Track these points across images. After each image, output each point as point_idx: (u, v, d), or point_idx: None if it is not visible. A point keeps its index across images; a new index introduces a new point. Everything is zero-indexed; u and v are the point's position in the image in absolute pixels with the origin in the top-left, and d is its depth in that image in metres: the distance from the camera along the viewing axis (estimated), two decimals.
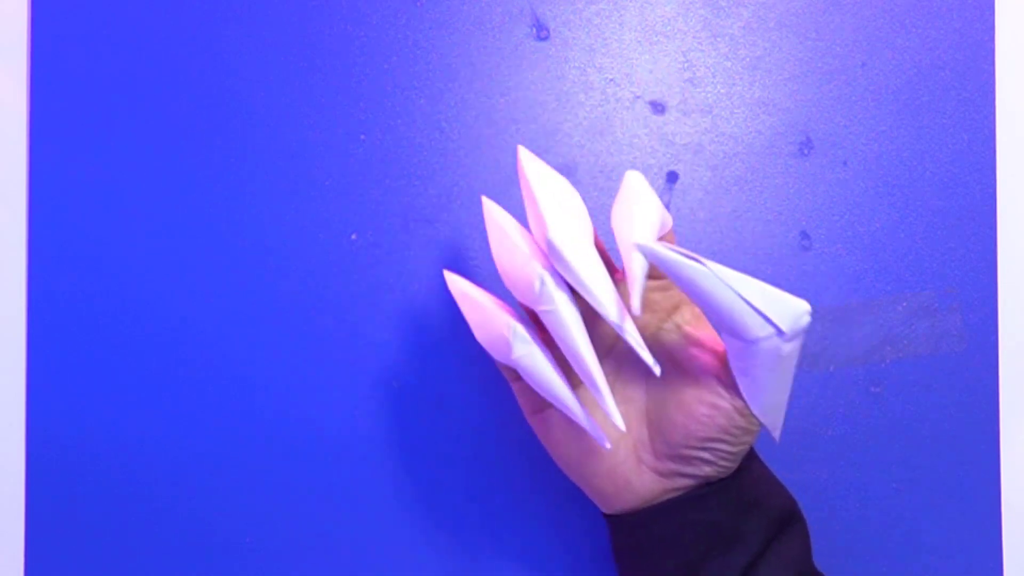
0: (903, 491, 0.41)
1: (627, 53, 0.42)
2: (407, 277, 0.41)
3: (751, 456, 0.35)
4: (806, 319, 0.30)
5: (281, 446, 0.41)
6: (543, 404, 0.36)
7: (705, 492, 0.34)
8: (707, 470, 0.33)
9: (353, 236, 0.41)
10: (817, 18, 0.42)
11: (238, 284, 0.41)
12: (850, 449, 0.41)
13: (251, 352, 0.41)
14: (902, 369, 0.42)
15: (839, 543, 0.41)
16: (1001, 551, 0.41)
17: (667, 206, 0.42)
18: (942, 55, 0.42)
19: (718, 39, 0.42)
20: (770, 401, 0.32)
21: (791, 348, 0.30)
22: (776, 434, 0.34)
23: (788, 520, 0.35)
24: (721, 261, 0.42)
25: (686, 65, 0.42)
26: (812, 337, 0.42)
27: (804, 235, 0.42)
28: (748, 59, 0.42)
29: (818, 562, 0.41)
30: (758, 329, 0.30)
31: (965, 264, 0.42)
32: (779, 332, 0.30)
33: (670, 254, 0.30)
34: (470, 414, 0.41)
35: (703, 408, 0.33)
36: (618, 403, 0.35)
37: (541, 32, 0.42)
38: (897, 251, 0.42)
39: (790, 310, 0.30)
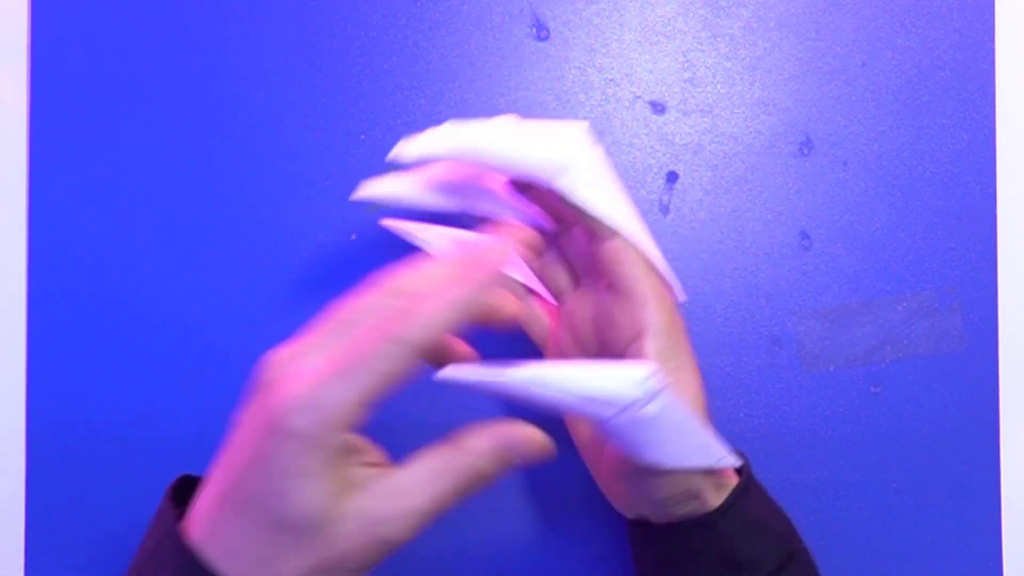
0: (903, 491, 0.41)
1: (627, 53, 0.42)
2: None
3: (748, 477, 0.35)
4: (651, 381, 0.29)
5: None
6: None
7: (709, 519, 0.33)
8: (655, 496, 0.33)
9: (353, 236, 0.41)
10: (817, 18, 0.42)
11: (238, 284, 0.41)
12: (850, 449, 0.41)
13: (251, 352, 0.41)
14: (902, 369, 0.42)
15: (839, 543, 0.41)
16: (1001, 551, 0.41)
17: (667, 206, 0.42)
18: (942, 55, 0.42)
19: (718, 39, 0.42)
20: (670, 451, 0.31)
21: (656, 408, 0.29)
22: (718, 463, 0.33)
23: (795, 547, 0.35)
24: (721, 261, 0.42)
25: (686, 65, 0.42)
26: (812, 337, 0.42)
27: (804, 235, 0.42)
28: (748, 59, 0.42)
29: (818, 562, 0.41)
30: (604, 409, 0.29)
31: (965, 264, 0.42)
32: (623, 407, 0.29)
33: (472, 377, 0.29)
34: (470, 414, 0.41)
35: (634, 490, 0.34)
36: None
37: (541, 32, 0.42)
38: (897, 251, 0.42)
39: (627, 380, 0.29)
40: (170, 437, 0.41)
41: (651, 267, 0.34)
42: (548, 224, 0.36)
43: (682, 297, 0.35)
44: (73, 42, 0.41)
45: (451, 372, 0.29)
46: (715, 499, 0.33)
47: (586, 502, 0.41)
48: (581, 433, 0.37)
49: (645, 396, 0.29)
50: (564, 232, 0.36)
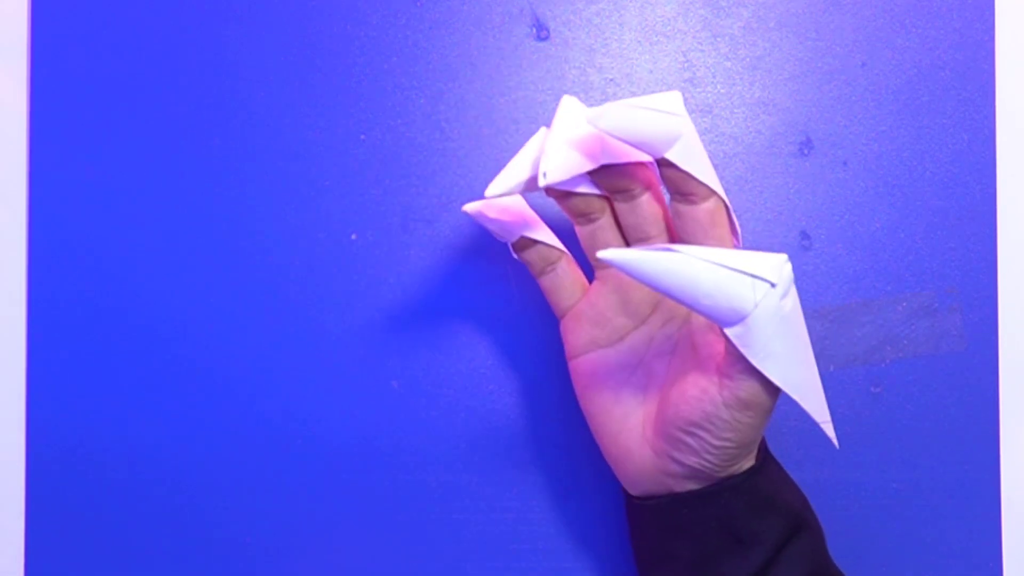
0: (903, 491, 0.41)
1: (627, 53, 0.42)
2: (407, 277, 0.41)
3: (765, 457, 0.35)
4: (787, 266, 0.30)
5: (281, 446, 0.41)
6: (588, 344, 0.36)
7: (716, 489, 0.34)
8: (692, 460, 0.33)
9: (353, 236, 0.41)
10: (817, 18, 0.42)
11: (238, 284, 0.41)
12: (850, 449, 0.41)
13: (251, 352, 0.41)
14: (902, 369, 0.42)
15: (839, 543, 0.41)
16: (1001, 551, 0.41)
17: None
18: (942, 55, 0.42)
19: (718, 39, 0.42)
20: (795, 375, 0.31)
21: (790, 304, 0.30)
22: (820, 418, 0.32)
23: (801, 522, 0.35)
24: None
25: (686, 65, 0.42)
26: (812, 337, 0.42)
27: (804, 235, 0.42)
28: (748, 59, 0.42)
29: None
30: (748, 292, 0.29)
31: (965, 264, 0.42)
32: (771, 284, 0.29)
33: (637, 255, 0.30)
34: (470, 414, 0.41)
35: (694, 390, 0.33)
36: (643, 375, 0.36)
37: (541, 32, 0.42)
38: (897, 251, 0.42)
39: (769, 262, 0.30)
40: (170, 437, 0.41)
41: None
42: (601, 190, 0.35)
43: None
44: (73, 42, 0.41)
45: (610, 254, 0.30)
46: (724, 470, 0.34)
47: (570, 500, 0.41)
48: (599, 403, 0.36)
49: (780, 282, 0.30)
50: (627, 199, 0.35)
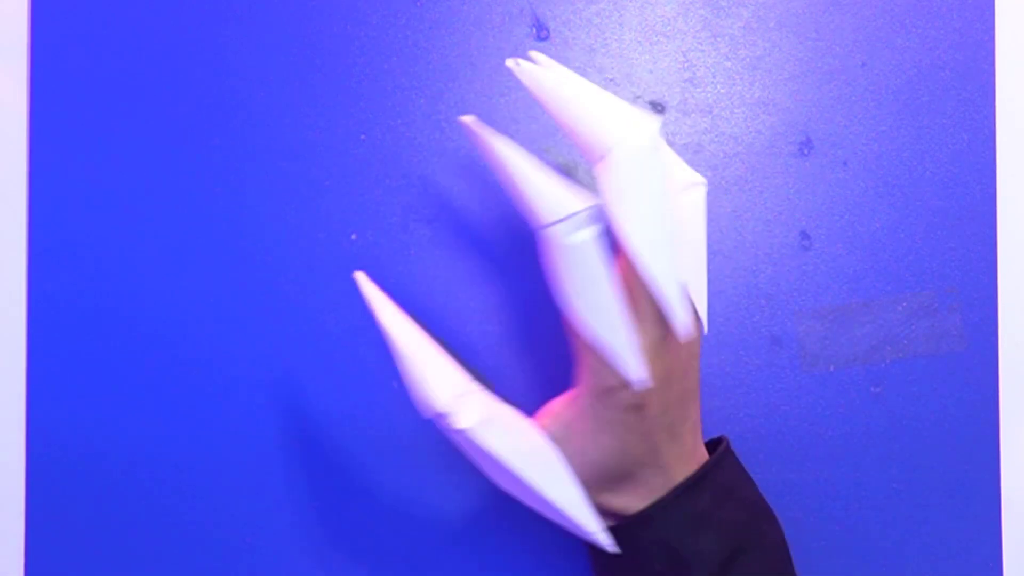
0: (903, 491, 0.41)
1: (627, 53, 0.42)
2: (407, 277, 0.41)
3: (703, 476, 0.34)
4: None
5: (280, 446, 0.41)
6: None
7: (649, 510, 0.34)
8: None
9: (353, 236, 0.41)
10: (817, 18, 0.42)
11: (238, 284, 0.41)
12: (850, 449, 0.41)
13: (251, 352, 0.41)
14: (902, 369, 0.42)
15: (839, 543, 0.41)
16: (1001, 551, 0.41)
17: None
18: (942, 55, 0.42)
19: (718, 39, 0.42)
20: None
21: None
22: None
23: (748, 539, 0.34)
24: (721, 261, 0.42)
25: (686, 65, 0.42)
26: (812, 337, 0.42)
27: (804, 235, 0.42)
28: (748, 59, 0.42)
29: (817, 562, 0.41)
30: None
31: (965, 264, 0.42)
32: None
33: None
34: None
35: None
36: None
37: (541, 32, 0.42)
38: (897, 251, 0.42)
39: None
40: (170, 437, 0.41)
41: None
42: None
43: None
44: (73, 42, 0.41)
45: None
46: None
47: None
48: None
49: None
50: None
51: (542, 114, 0.42)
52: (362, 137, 0.42)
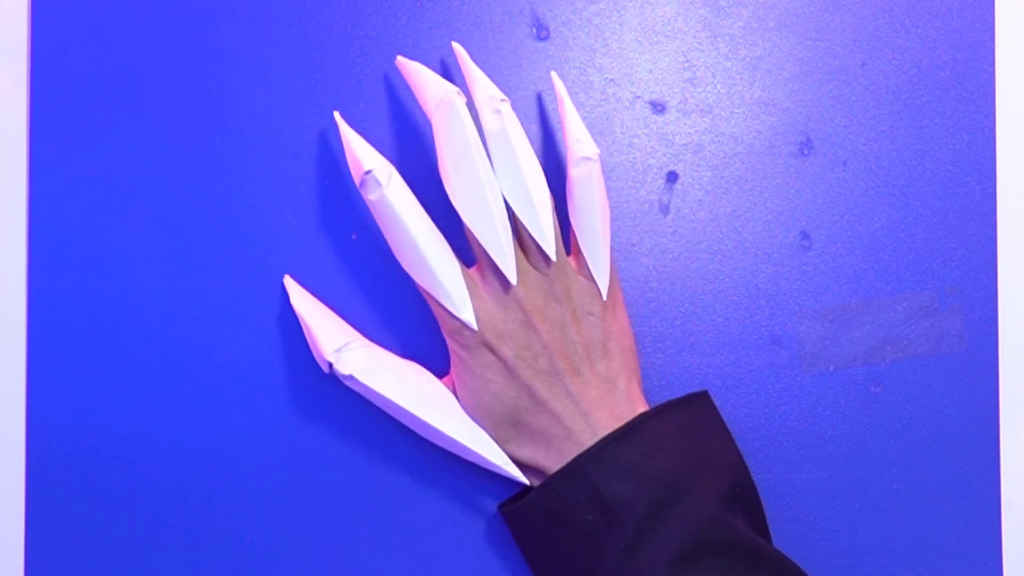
0: (903, 491, 0.41)
1: (627, 53, 0.42)
2: (407, 277, 0.41)
3: (632, 428, 0.35)
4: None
5: (280, 446, 0.41)
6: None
7: (575, 462, 0.35)
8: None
9: (353, 236, 0.41)
10: (817, 18, 0.42)
11: (238, 284, 0.41)
12: (850, 449, 0.41)
13: (251, 352, 0.41)
14: (902, 369, 0.42)
15: (839, 543, 0.41)
16: (1001, 551, 0.41)
17: (667, 206, 0.42)
18: (942, 55, 0.42)
19: (718, 39, 0.42)
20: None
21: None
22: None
23: (680, 488, 0.34)
24: (721, 261, 0.42)
25: (686, 65, 0.42)
26: (812, 337, 0.42)
27: (804, 235, 0.42)
28: (748, 59, 0.42)
29: (817, 562, 0.41)
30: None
31: (965, 264, 0.42)
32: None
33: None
34: None
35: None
36: None
37: (541, 32, 0.42)
38: (897, 251, 0.42)
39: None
40: (170, 437, 0.41)
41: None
42: None
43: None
44: (73, 42, 0.41)
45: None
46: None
47: None
48: None
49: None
50: None
51: (542, 114, 0.42)
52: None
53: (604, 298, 0.37)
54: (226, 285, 0.41)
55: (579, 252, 0.38)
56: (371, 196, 0.36)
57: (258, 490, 0.41)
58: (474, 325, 0.36)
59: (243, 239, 0.41)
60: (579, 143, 0.37)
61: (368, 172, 0.35)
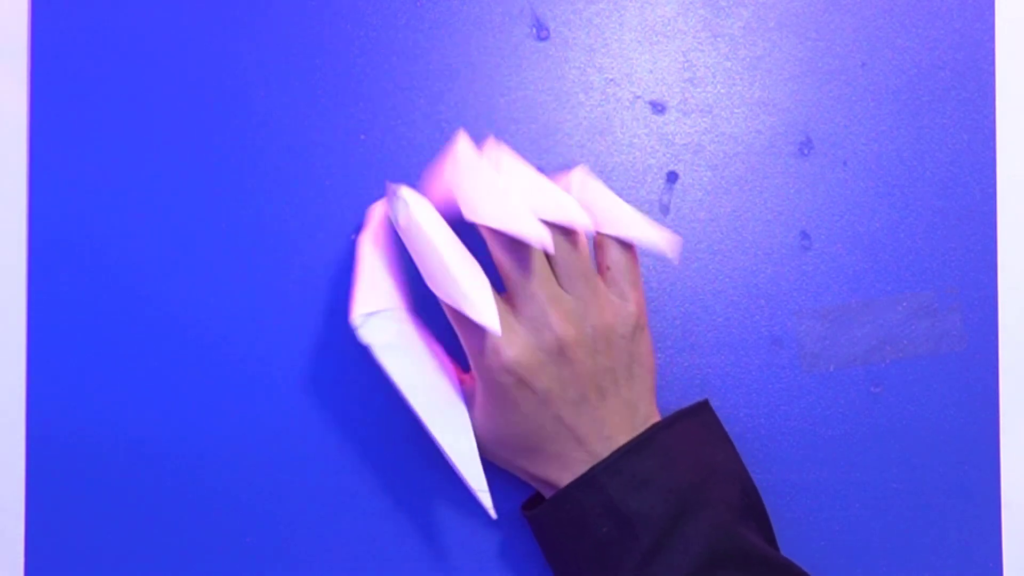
0: (903, 491, 0.41)
1: (627, 53, 0.42)
2: (407, 276, 0.41)
3: (647, 440, 0.35)
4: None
5: (281, 445, 0.41)
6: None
7: (590, 473, 0.34)
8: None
9: (353, 236, 0.41)
10: (817, 18, 0.42)
11: (238, 284, 0.41)
12: (850, 449, 0.41)
13: (251, 352, 0.41)
14: (902, 369, 0.42)
15: (839, 543, 0.41)
16: (1001, 551, 0.41)
17: (667, 206, 0.42)
18: (942, 55, 0.42)
19: (718, 39, 0.42)
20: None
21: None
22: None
23: (696, 499, 0.34)
24: (721, 261, 0.42)
25: (686, 65, 0.42)
26: (812, 337, 0.42)
27: (804, 235, 0.42)
28: (748, 59, 0.42)
29: (817, 562, 0.41)
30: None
31: (965, 264, 0.42)
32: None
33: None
34: None
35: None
36: None
37: (541, 32, 0.42)
38: (897, 251, 0.42)
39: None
40: (170, 437, 0.41)
41: None
42: None
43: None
44: (73, 42, 0.41)
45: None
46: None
47: None
48: None
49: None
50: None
51: (542, 114, 0.42)
52: (362, 137, 0.42)
53: (636, 312, 0.36)
54: (225, 285, 0.41)
55: (608, 269, 0.37)
56: (400, 221, 0.35)
57: (258, 490, 0.41)
58: (499, 331, 0.34)
59: (243, 239, 0.41)
60: (568, 179, 0.37)
61: (397, 196, 0.34)
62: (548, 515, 0.36)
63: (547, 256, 0.35)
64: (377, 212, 0.38)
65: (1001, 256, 0.42)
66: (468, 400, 0.37)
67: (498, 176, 0.35)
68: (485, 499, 0.36)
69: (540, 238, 0.33)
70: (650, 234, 0.36)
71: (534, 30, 0.42)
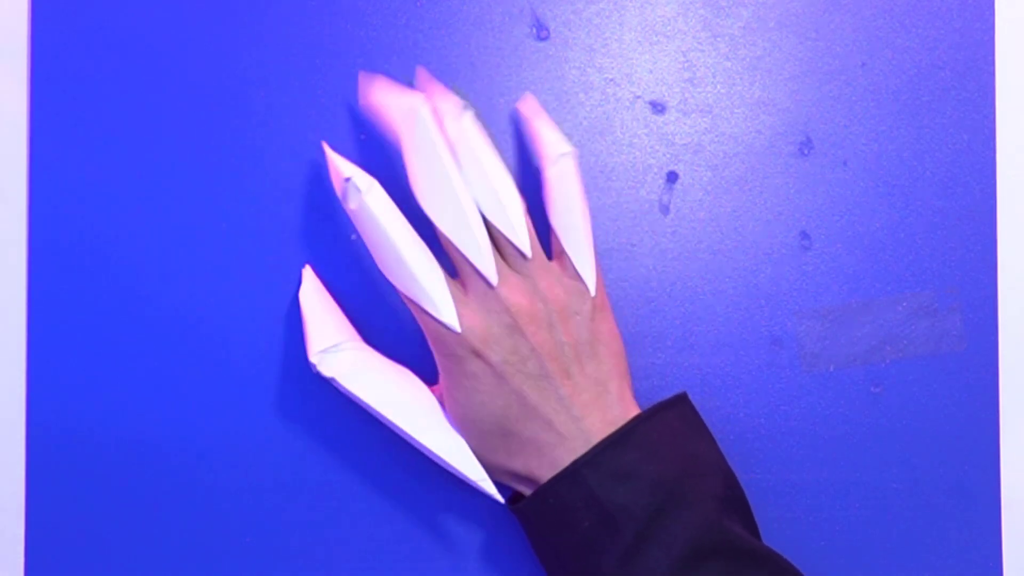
0: (903, 491, 0.41)
1: (627, 53, 0.42)
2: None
3: (629, 433, 0.35)
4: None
5: (282, 445, 0.41)
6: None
7: (571, 468, 0.34)
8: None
9: (353, 236, 0.41)
10: (817, 18, 0.42)
11: (238, 284, 0.41)
12: (850, 449, 0.41)
13: (251, 352, 0.41)
14: (902, 369, 0.42)
15: (839, 543, 0.41)
16: (1001, 551, 0.41)
17: (667, 206, 0.42)
18: (942, 55, 0.42)
19: (718, 39, 0.42)
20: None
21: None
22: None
23: (680, 493, 0.34)
24: (721, 261, 0.42)
25: (686, 65, 0.42)
26: (812, 337, 0.42)
27: (804, 235, 0.42)
28: (748, 59, 0.42)
29: (817, 562, 0.41)
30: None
31: (965, 264, 0.42)
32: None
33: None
34: None
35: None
36: None
37: (541, 32, 0.42)
38: (897, 251, 0.42)
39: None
40: (171, 437, 0.41)
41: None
42: None
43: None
44: (73, 42, 0.41)
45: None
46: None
47: None
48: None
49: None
50: None
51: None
52: (362, 137, 0.42)
53: (592, 293, 0.37)
54: (226, 285, 0.41)
55: (562, 254, 0.37)
56: (351, 205, 0.35)
57: (258, 490, 0.41)
58: (457, 328, 0.35)
59: (243, 239, 0.41)
60: (553, 144, 0.37)
61: (348, 180, 0.35)
62: (532, 509, 0.36)
63: (495, 240, 0.37)
64: (307, 271, 0.40)
65: (1001, 256, 0.42)
66: (440, 403, 0.38)
67: (452, 165, 0.36)
68: (488, 487, 0.37)
69: (486, 271, 0.35)
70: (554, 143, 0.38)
71: (534, 30, 0.42)
